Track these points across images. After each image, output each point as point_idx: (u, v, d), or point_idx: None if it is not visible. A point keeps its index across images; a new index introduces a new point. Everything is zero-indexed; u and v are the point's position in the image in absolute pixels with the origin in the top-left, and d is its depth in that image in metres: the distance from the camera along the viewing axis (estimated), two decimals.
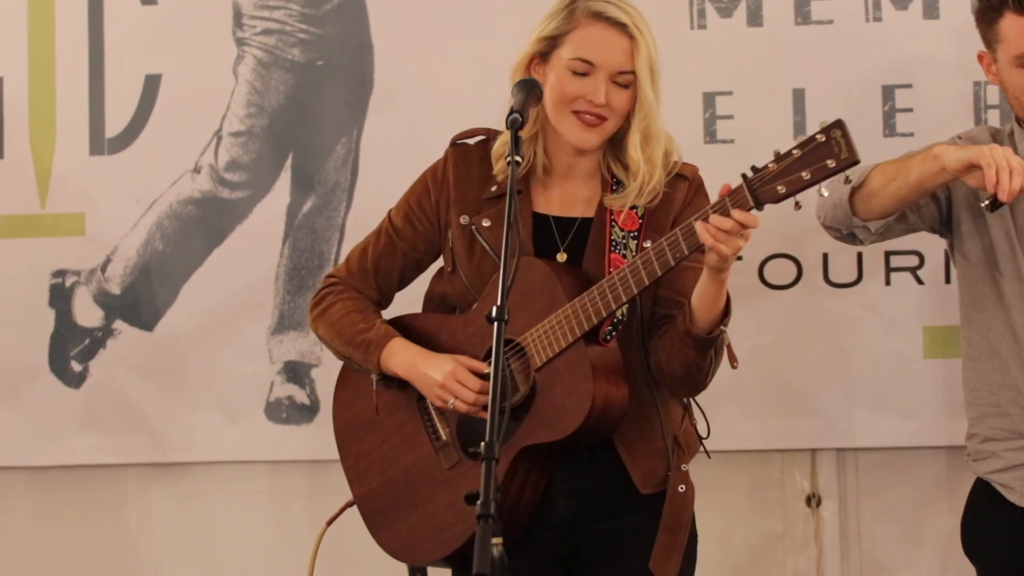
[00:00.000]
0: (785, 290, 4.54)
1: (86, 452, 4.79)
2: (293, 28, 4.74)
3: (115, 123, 4.79)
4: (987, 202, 3.46)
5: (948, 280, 4.45)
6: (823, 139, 3.15)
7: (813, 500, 4.61)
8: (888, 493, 4.58)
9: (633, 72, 3.41)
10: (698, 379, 3.43)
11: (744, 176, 3.20)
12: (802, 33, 4.53)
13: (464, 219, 3.54)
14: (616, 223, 3.47)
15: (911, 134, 4.46)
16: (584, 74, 3.42)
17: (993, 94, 4.41)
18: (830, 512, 4.60)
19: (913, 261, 4.47)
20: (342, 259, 3.79)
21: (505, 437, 3.03)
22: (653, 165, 3.47)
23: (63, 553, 4.86)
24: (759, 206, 3.20)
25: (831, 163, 3.13)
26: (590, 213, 3.51)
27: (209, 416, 4.74)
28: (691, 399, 3.60)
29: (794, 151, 3.17)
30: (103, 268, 4.79)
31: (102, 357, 4.79)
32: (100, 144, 4.79)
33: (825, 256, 4.52)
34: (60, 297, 4.80)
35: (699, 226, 3.21)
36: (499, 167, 3.51)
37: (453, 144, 3.61)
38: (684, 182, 3.53)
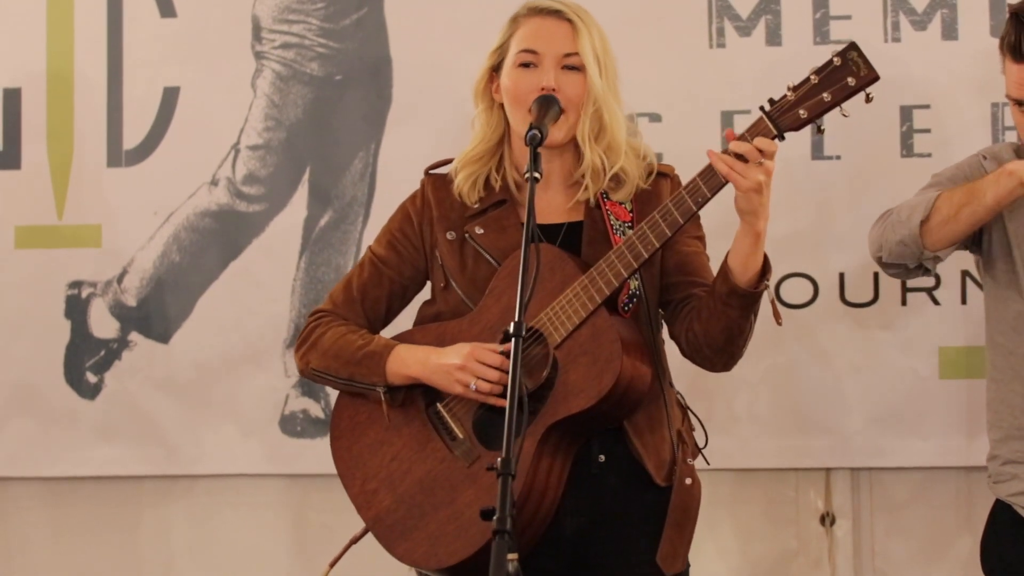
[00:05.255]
0: (801, 309, 4.54)
1: (101, 464, 4.80)
2: (312, 42, 4.75)
3: (133, 135, 4.80)
4: None
5: (964, 301, 4.45)
6: (840, 62, 3.18)
7: (827, 519, 4.60)
8: (902, 513, 4.58)
9: (578, 54, 3.42)
10: (738, 344, 3.39)
11: (762, 108, 3.21)
12: (821, 52, 4.40)
13: (451, 235, 3.53)
14: (611, 213, 3.47)
15: (929, 154, 4.47)
16: (531, 64, 3.44)
17: (1010, 115, 4.41)
18: (844, 531, 4.60)
19: (929, 282, 4.46)
20: None
21: (529, 419, 2.98)
22: (615, 152, 3.46)
23: (77, 564, 4.86)
24: (781, 135, 3.20)
25: (851, 81, 3.16)
26: (575, 217, 3.49)
27: (224, 429, 4.74)
28: (687, 408, 3.56)
29: (811, 77, 3.19)
30: (119, 280, 4.80)
31: (117, 369, 4.79)
32: (118, 156, 4.80)
33: (841, 276, 4.52)
34: (76, 308, 4.81)
35: (714, 157, 3.20)
36: (458, 180, 3.53)
37: (426, 173, 3.64)
38: (666, 179, 3.54)
